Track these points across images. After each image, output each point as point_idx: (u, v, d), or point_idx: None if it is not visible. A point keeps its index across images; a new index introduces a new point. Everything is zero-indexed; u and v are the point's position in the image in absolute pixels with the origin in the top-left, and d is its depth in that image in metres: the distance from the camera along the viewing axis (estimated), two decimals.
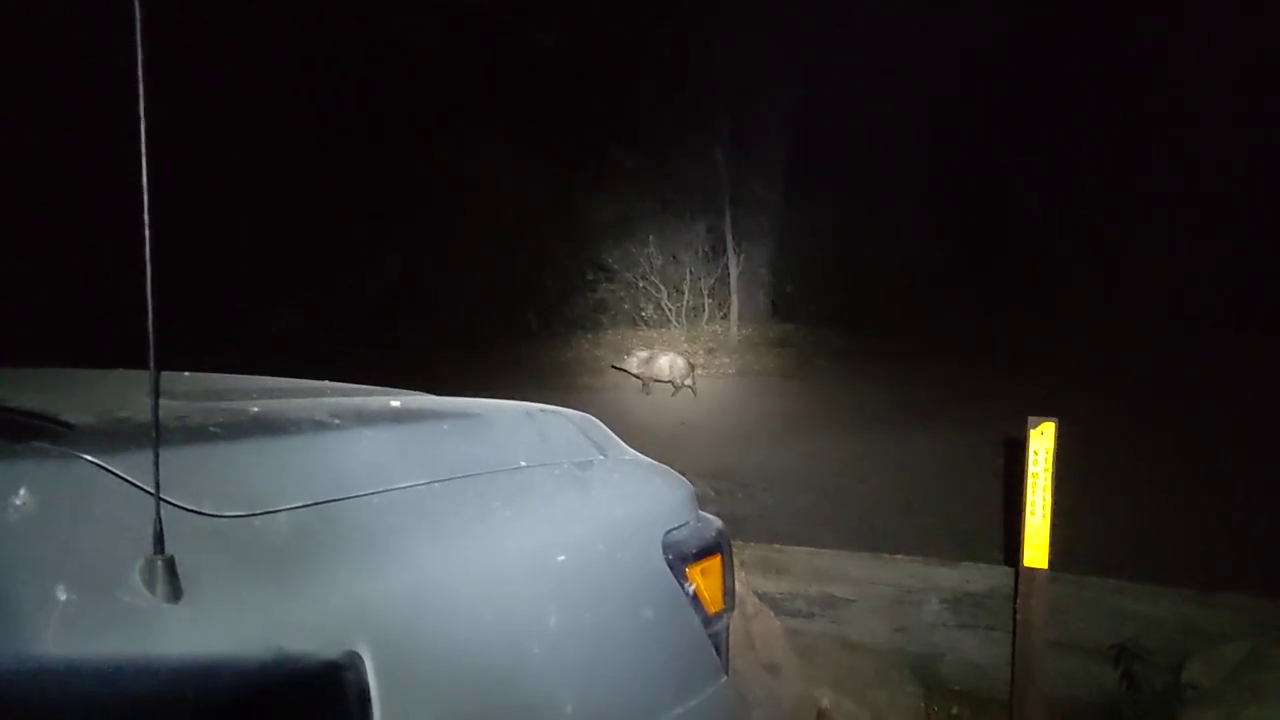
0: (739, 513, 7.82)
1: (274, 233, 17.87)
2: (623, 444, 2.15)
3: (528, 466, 1.78)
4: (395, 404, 1.88)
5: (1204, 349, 12.48)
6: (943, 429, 10.20)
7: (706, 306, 18.89)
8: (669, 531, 1.93)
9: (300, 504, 1.36)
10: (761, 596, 4.90)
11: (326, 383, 2.40)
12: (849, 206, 18.36)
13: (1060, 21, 17.10)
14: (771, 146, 18.71)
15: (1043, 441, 4.44)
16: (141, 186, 1.21)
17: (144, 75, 1.24)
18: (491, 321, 18.66)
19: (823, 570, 5.31)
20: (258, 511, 1.31)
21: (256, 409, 1.62)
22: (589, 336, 18.56)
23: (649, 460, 2.15)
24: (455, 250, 19.40)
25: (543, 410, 2.02)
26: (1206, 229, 15.32)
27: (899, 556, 5.41)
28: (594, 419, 2.14)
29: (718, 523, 2.16)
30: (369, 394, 2.18)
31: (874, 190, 18.28)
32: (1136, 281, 15.63)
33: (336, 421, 1.59)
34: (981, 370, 13.28)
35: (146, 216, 1.21)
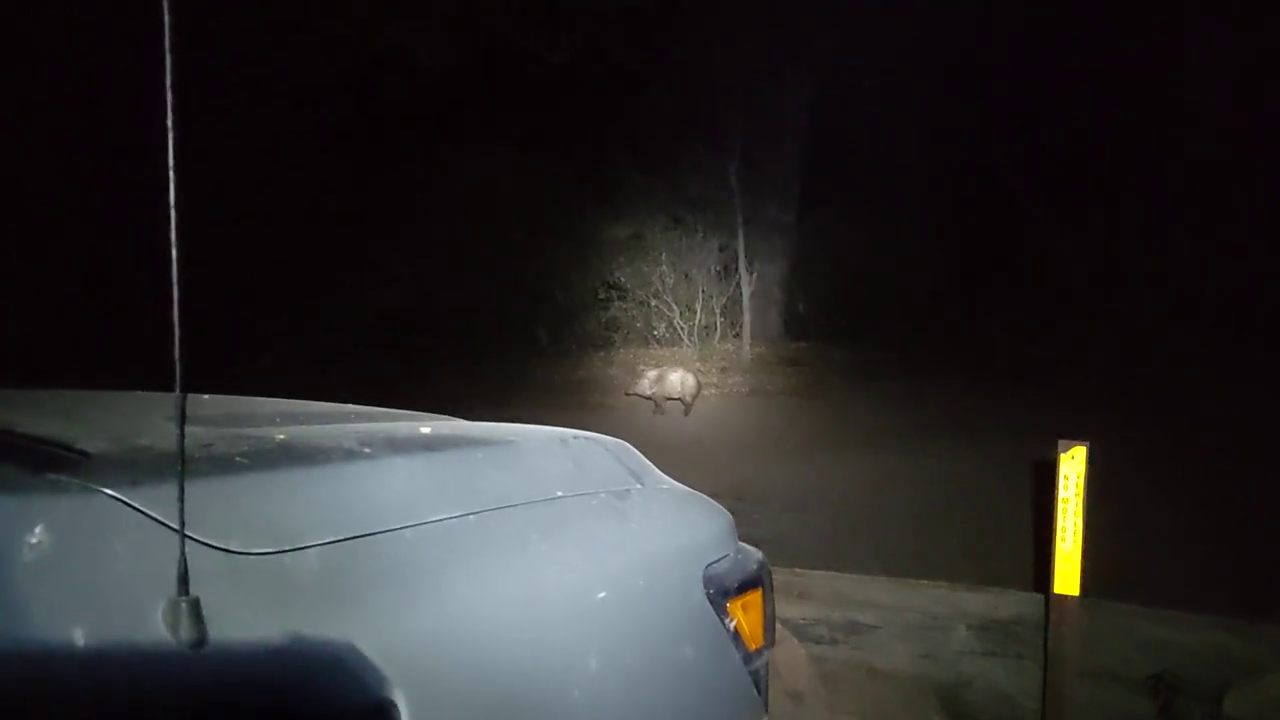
0: (756, 534, 7.70)
1: (282, 247, 17.81)
2: (659, 472, 2.06)
3: (564, 497, 1.69)
4: (426, 430, 1.80)
5: (1238, 366, 12.27)
6: (961, 447, 10.08)
7: (719, 325, 18.82)
8: (709, 565, 1.84)
9: (331, 539, 1.28)
10: (783, 622, 4.80)
11: (350, 406, 2.33)
12: (862, 224, 18.27)
13: (1074, 32, 17.01)
14: (784, 164, 18.69)
15: (1073, 466, 4.34)
16: (168, 203, 1.14)
17: (171, 89, 1.17)
18: (503, 339, 18.62)
19: (845, 595, 5.21)
20: (287, 548, 1.23)
21: (283, 437, 1.55)
22: (601, 354, 18.51)
23: (686, 488, 2.06)
24: (466, 267, 19.34)
25: (576, 437, 1.93)
26: (1236, 241, 15.12)
27: (923, 581, 5.30)
28: (628, 445, 2.06)
29: (758, 554, 2.07)
30: (397, 419, 2.10)
31: (887, 208, 18.20)
32: (1160, 296, 15.42)
33: (367, 450, 1.51)
34: (999, 388, 13.15)
35: (174, 235, 1.14)
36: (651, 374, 13.88)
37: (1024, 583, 5.44)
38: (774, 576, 5.33)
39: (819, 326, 18.61)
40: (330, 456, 1.45)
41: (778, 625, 4.71)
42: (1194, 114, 15.72)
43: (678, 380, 13.40)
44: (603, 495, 1.77)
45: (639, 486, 1.89)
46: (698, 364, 17.02)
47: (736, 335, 18.69)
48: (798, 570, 5.45)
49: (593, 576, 1.60)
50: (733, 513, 6.18)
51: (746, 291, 18.51)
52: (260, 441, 1.48)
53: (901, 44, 17.63)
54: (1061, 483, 4.35)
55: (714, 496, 6.60)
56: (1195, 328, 14.27)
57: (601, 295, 19.42)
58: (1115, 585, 4.96)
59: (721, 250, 18.98)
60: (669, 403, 13.54)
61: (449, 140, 19.17)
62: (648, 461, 2.07)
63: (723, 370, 16.95)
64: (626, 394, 14.17)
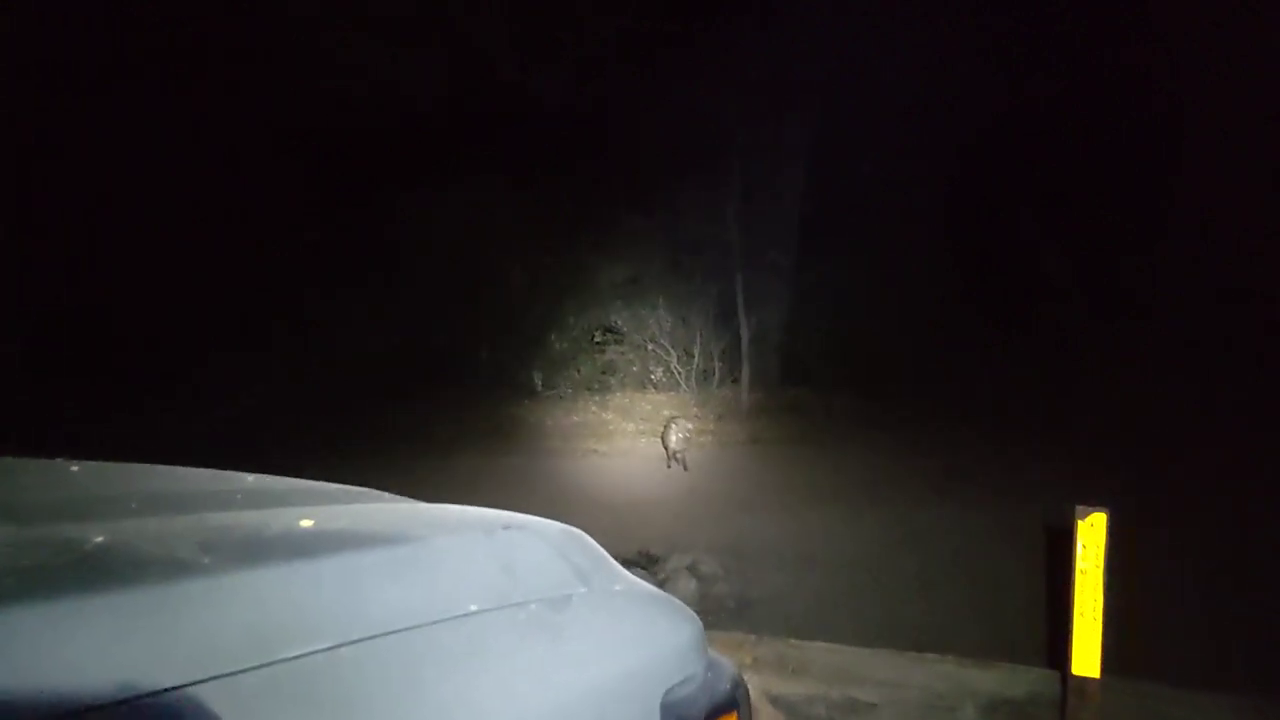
0: (749, 594, 7.34)
1: (271, 287, 17.57)
2: (614, 565, 1.70)
3: (480, 612, 1.33)
4: (303, 525, 1.45)
5: (1264, 421, 11.87)
6: (965, 504, 9.69)
7: (717, 370, 18.51)
8: (670, 690, 1.48)
9: (120, 696, 0.93)
10: (776, 701, 4.42)
11: (233, 480, 1.96)
12: (862, 270, 18.02)
13: (1080, 70, 16.86)
14: (783, 209, 18.52)
15: (1092, 535, 3.97)
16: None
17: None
18: (495, 382, 18.25)
19: (844, 670, 4.82)
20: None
21: (100, 539, 1.20)
22: (596, 399, 18.14)
23: (647, 588, 1.70)
24: (457, 309, 19.03)
25: (507, 527, 1.57)
26: (1262, 286, 14.76)
27: (928, 655, 4.91)
28: (578, 533, 1.70)
29: (732, 670, 1.70)
30: (280, 500, 1.74)
31: (888, 254, 17.99)
32: (1175, 347, 15.04)
33: (205, 560, 1.16)
34: (1005, 441, 12.79)
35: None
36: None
37: (1036, 657, 5.05)
38: (770, 648, 4.96)
39: (819, 373, 18.27)
40: (144, 573, 1.10)
41: (770, 704, 4.32)
42: (1219, 153, 15.41)
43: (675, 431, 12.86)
44: (533, 606, 1.41)
45: (582, 590, 1.53)
46: (695, 410, 16.69)
47: (735, 381, 18.37)
48: (793, 641, 5.06)
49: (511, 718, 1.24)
50: (725, 569, 5.81)
51: (745, 336, 18.22)
52: (60, 550, 1.13)
53: (904, 85, 17.51)
54: (1079, 552, 3.99)
55: (705, 551, 6.19)
56: (1215, 382, 13.86)
57: (597, 339, 19.10)
58: (1134, 660, 4.56)
59: (720, 294, 18.69)
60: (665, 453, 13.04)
61: (440, 179, 18.94)
62: (601, 552, 1.71)
63: (719, 417, 16.59)
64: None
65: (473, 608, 1.32)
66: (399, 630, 1.21)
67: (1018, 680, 4.63)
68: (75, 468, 1.86)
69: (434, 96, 18.11)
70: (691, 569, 7.94)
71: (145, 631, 1.01)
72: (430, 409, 16.48)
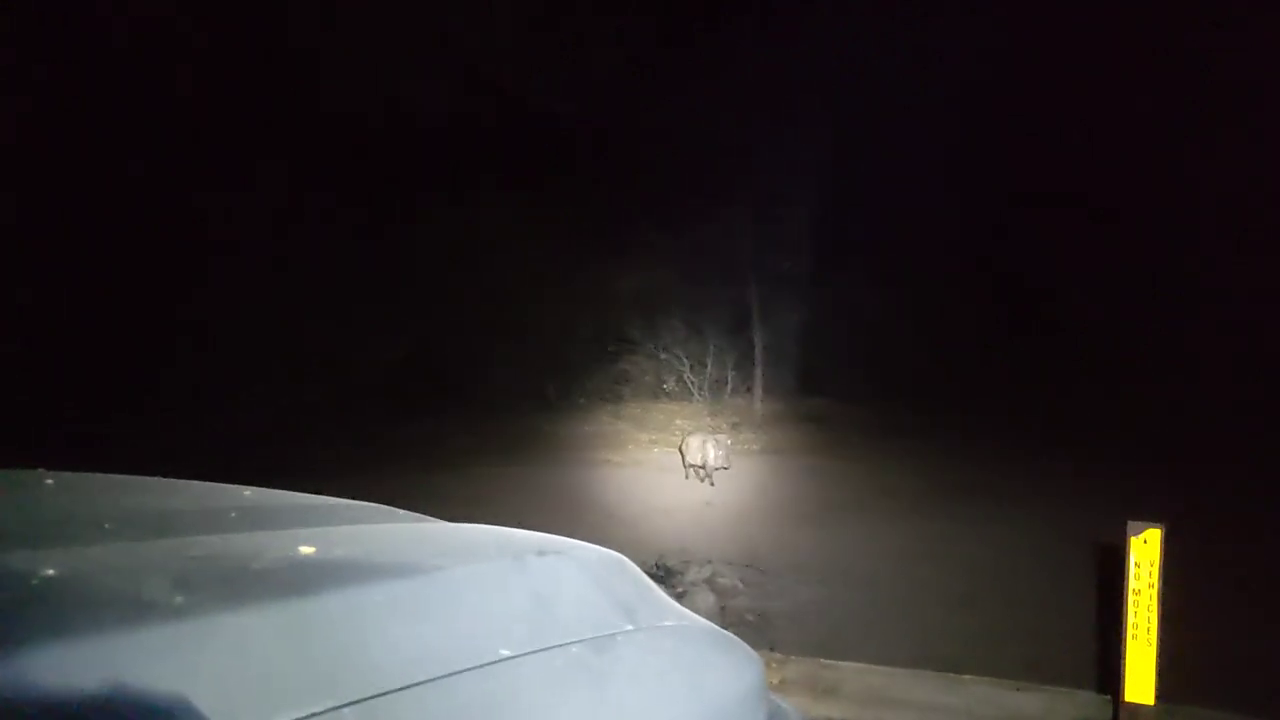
0: (771, 609, 7.10)
1: (290, 302, 17.42)
2: (662, 596, 1.48)
3: (512, 658, 1.11)
4: (302, 552, 1.23)
5: None
6: (992, 516, 9.46)
7: (730, 379, 18.28)
8: None
9: None
10: None
11: (223, 491, 1.74)
12: (879, 278, 17.87)
13: (1105, 77, 16.65)
14: (798, 217, 18.31)
15: (1146, 552, 3.74)
16: None
17: None
18: (511, 393, 18.03)
19: (879, 692, 4.58)
20: None
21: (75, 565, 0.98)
22: (609, 408, 17.92)
23: (700, 623, 1.48)
24: (474, 322, 18.86)
25: (542, 553, 1.35)
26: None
27: (967, 677, 4.67)
28: (619, 558, 1.47)
29: (796, 716, 1.49)
30: (269, 516, 1.52)
31: (905, 262, 17.84)
32: (1205, 349, 14.75)
33: (176, 600, 0.94)
34: (1031, 451, 12.56)
35: None
36: (693, 440, 12.61)
37: (1078, 678, 4.79)
38: (799, 668, 4.72)
39: (834, 382, 18.04)
40: (91, 618, 0.88)
41: None
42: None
43: (700, 446, 12.41)
44: (574, 649, 1.19)
45: (628, 628, 1.30)
46: (708, 419, 16.48)
47: (749, 390, 18.15)
48: (824, 661, 4.82)
49: None
50: (745, 583, 5.57)
51: (759, 345, 18.02)
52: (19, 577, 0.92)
53: (924, 93, 17.39)
54: (1132, 571, 3.75)
55: (725, 564, 5.92)
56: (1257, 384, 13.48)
57: (611, 349, 18.88)
58: (1191, 686, 4.30)
59: (734, 304, 18.49)
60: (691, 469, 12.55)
61: (456, 195, 18.82)
62: (647, 580, 1.49)
63: (734, 426, 16.36)
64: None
65: (504, 653, 1.10)
66: (415, 684, 0.99)
67: (1064, 705, 4.38)
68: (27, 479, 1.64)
69: (444, 111, 18.00)
70: (709, 582, 7.73)
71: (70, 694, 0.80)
72: (445, 421, 16.26)
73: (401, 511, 1.80)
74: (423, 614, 1.10)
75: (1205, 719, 4.14)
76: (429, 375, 18.32)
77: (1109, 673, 4.02)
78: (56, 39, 15.88)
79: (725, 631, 1.48)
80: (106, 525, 1.32)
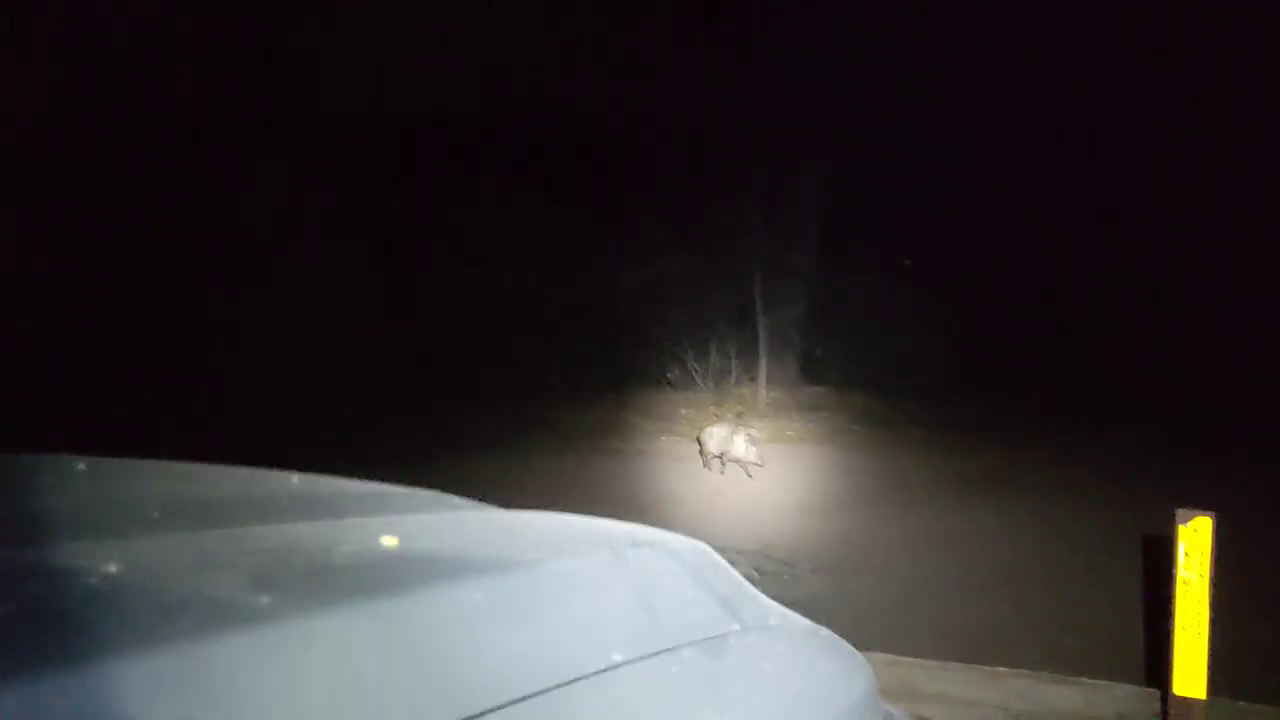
0: (787, 598, 6.86)
1: (298, 290, 17.30)
2: (759, 594, 1.35)
3: (624, 664, 0.98)
4: (387, 544, 1.09)
5: None
6: (1003, 503, 9.34)
7: (734, 368, 18.14)
8: None
9: None
10: None
11: (276, 477, 1.59)
12: (882, 267, 17.72)
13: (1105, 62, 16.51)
14: (802, 206, 18.20)
15: (1196, 542, 3.61)
16: None
17: None
18: (515, 381, 17.87)
19: (911, 685, 4.46)
20: None
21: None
22: (613, 397, 17.76)
23: (804, 623, 1.35)
24: (478, 310, 18.71)
25: (635, 545, 1.21)
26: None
27: (1000, 669, 4.55)
28: (708, 549, 1.34)
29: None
30: (327, 505, 1.38)
31: (908, 251, 17.70)
32: (1193, 343, 14.61)
33: (283, 602, 0.81)
34: (1033, 441, 12.44)
35: None
36: (719, 431, 12.09)
37: (1116, 671, 4.66)
38: None
39: (838, 371, 17.94)
40: (182, 619, 0.75)
41: None
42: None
43: (735, 439, 11.80)
44: (686, 653, 1.05)
45: (736, 629, 1.17)
46: (712, 408, 16.35)
47: (752, 379, 18.01)
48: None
49: None
50: (760, 571, 5.43)
51: (763, 334, 17.89)
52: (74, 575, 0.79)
53: (920, 86, 17.30)
54: (1181, 561, 3.63)
55: (737, 553, 5.77)
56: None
57: (615, 337, 18.72)
58: (1244, 681, 4.18)
59: (738, 292, 18.36)
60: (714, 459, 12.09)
61: (461, 183, 18.67)
62: (739, 575, 1.36)
63: (738, 415, 16.21)
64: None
65: (616, 658, 0.97)
66: (526, 697, 0.85)
67: (1104, 698, 4.26)
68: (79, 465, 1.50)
69: (449, 94, 17.84)
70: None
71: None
72: (448, 410, 16.10)
73: (456, 498, 1.66)
74: (526, 615, 0.97)
75: (1254, 713, 4.01)
76: (433, 363, 18.17)
77: (1150, 665, 3.90)
78: (107, 35, 15.81)
79: (830, 632, 1.35)
80: (154, 514, 1.18)
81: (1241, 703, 4.03)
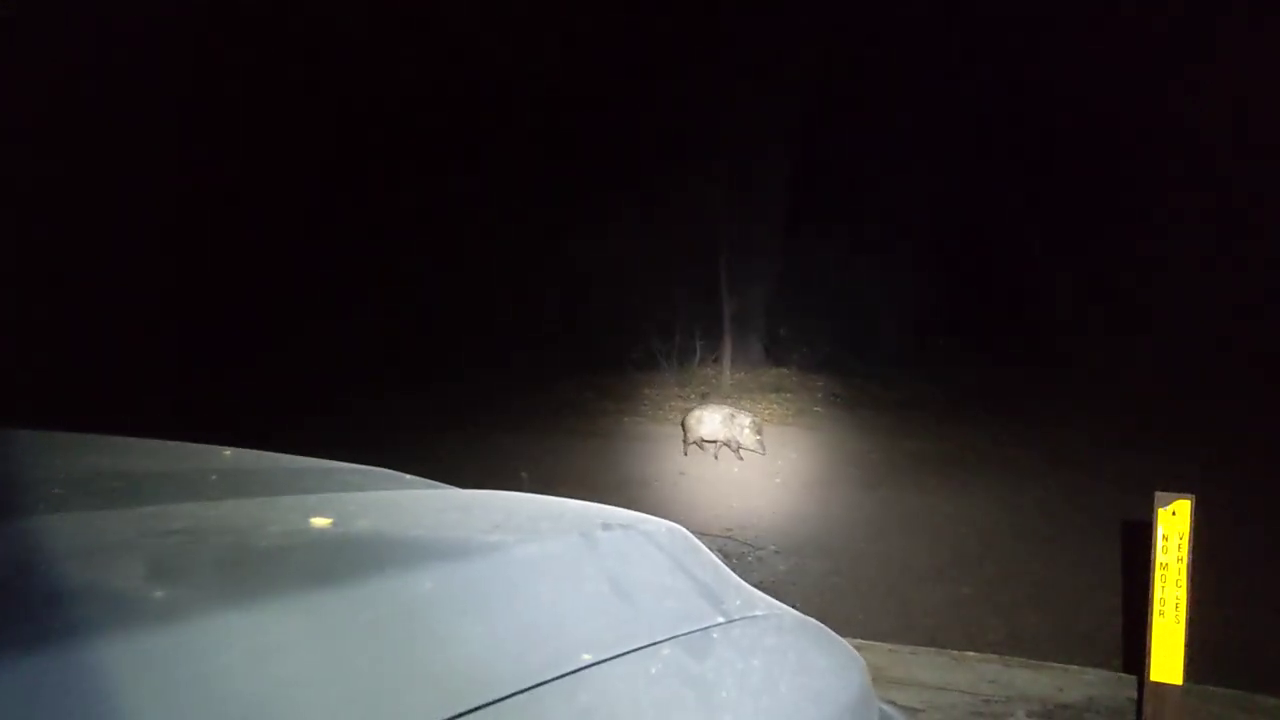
0: (750, 579, 6.82)
1: (253, 262, 17.03)
2: (736, 579, 1.22)
3: (597, 664, 0.84)
4: (320, 524, 0.95)
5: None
6: (962, 486, 9.31)
7: (698, 349, 18.01)
8: None
9: None
10: None
11: (229, 455, 1.45)
12: (846, 250, 17.67)
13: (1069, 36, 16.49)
14: (766, 188, 18.07)
15: (1175, 525, 3.53)
16: None
17: None
18: (472, 359, 17.65)
19: (878, 670, 4.36)
20: None
21: None
22: (572, 377, 17.58)
23: (792, 614, 1.22)
24: (433, 287, 18.46)
25: (607, 527, 1.07)
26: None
27: (970, 654, 4.47)
28: (684, 532, 1.21)
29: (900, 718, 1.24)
30: (283, 483, 1.23)
31: (873, 234, 17.68)
32: (1163, 322, 14.63)
33: (187, 596, 0.67)
34: (989, 425, 12.44)
35: None
36: (712, 415, 11.57)
37: (1090, 655, 4.60)
38: None
39: (801, 353, 17.87)
40: (54, 615, 0.61)
41: None
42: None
43: (723, 423, 11.41)
44: (667, 650, 0.92)
45: (720, 621, 1.03)
46: (675, 390, 16.24)
47: (716, 360, 17.90)
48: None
49: None
50: (724, 553, 5.31)
51: (727, 315, 17.77)
52: None
53: (884, 67, 17.23)
54: (1159, 545, 3.55)
55: (699, 535, 5.64)
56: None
57: (576, 316, 18.57)
58: (1216, 663, 4.11)
59: (701, 273, 18.22)
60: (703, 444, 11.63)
61: (421, 158, 18.40)
62: (716, 560, 1.22)
63: (702, 396, 16.11)
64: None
65: (586, 658, 0.84)
66: (481, 706, 0.72)
67: (1071, 682, 4.20)
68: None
69: (414, 69, 17.58)
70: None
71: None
72: (398, 390, 15.87)
73: (408, 476, 1.52)
74: (485, 608, 0.82)
75: (1234, 700, 3.96)
76: (379, 343, 17.89)
77: (1128, 650, 3.83)
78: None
79: (820, 624, 1.23)
80: (56, 490, 1.03)
81: (1220, 688, 3.98)
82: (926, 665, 4.40)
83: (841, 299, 17.85)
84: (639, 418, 14.44)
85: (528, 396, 16.10)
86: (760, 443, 11.10)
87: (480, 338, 18.01)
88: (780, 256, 18.42)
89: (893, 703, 1.36)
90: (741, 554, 7.46)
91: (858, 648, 3.63)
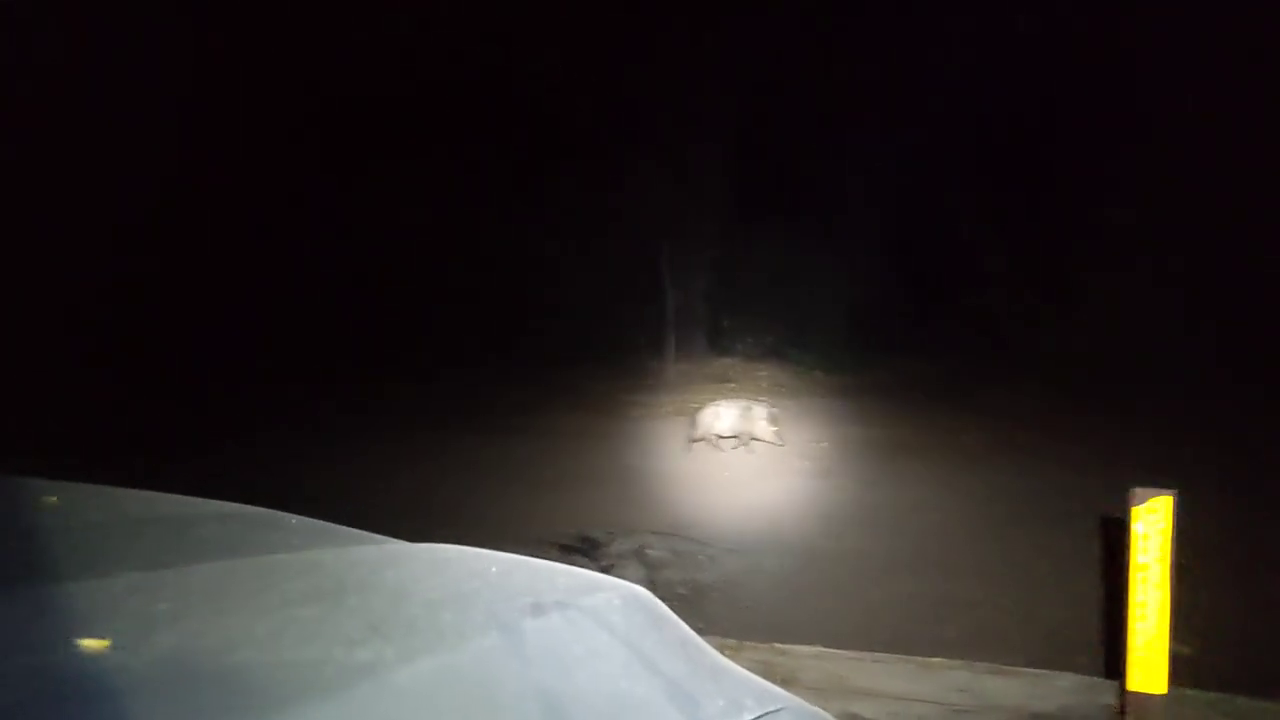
0: (703, 580, 6.68)
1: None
2: (720, 659, 0.95)
3: None
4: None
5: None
6: (915, 478, 9.16)
7: (642, 340, 17.80)
8: None
9: None
10: None
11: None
12: (792, 240, 17.55)
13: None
14: (711, 177, 17.96)
15: (1154, 523, 3.33)
16: None
17: None
18: (411, 354, 17.18)
19: (841, 679, 4.13)
20: None
21: None
22: (515, 371, 17.21)
23: (795, 702, 0.95)
24: (376, 278, 17.98)
25: (538, 610, 0.78)
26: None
27: (936, 660, 4.25)
28: (649, 600, 0.93)
29: None
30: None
31: (817, 223, 17.58)
32: (1121, 305, 14.60)
33: None
34: (935, 411, 12.34)
35: None
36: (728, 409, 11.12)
37: (1064, 661, 4.40)
38: (749, 655, 4.24)
39: (746, 342, 17.75)
40: None
41: None
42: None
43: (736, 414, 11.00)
44: None
45: None
46: (619, 383, 16.00)
47: (659, 351, 17.71)
48: (778, 646, 4.36)
49: None
50: (673, 553, 5.05)
51: (670, 305, 17.59)
52: None
53: (830, 57, 17.12)
54: (1138, 544, 3.35)
55: (650, 533, 5.38)
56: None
57: (516, 308, 18.20)
58: (1205, 668, 3.92)
59: (645, 263, 18.01)
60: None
61: (365, 153, 17.92)
62: (692, 636, 0.95)
63: (648, 388, 15.91)
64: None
65: None
66: None
67: (1042, 689, 3.99)
68: None
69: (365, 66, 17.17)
70: (638, 554, 7.27)
71: None
72: (328, 392, 15.35)
73: (289, 519, 1.22)
74: None
75: (1222, 706, 3.77)
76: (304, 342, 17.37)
77: (1109, 656, 3.63)
78: None
79: (821, 711, 0.96)
80: None
81: (1198, 691, 3.78)
82: (891, 673, 4.17)
83: (784, 289, 17.78)
84: (587, 412, 14.15)
85: (464, 390, 15.66)
86: (778, 434, 10.64)
87: (412, 332, 17.58)
88: (721, 248, 18.31)
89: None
90: (693, 553, 7.22)
91: (818, 656, 3.39)
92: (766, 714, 0.89)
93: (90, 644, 0.73)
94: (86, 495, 1.23)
